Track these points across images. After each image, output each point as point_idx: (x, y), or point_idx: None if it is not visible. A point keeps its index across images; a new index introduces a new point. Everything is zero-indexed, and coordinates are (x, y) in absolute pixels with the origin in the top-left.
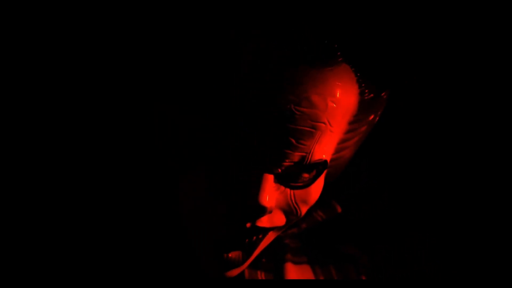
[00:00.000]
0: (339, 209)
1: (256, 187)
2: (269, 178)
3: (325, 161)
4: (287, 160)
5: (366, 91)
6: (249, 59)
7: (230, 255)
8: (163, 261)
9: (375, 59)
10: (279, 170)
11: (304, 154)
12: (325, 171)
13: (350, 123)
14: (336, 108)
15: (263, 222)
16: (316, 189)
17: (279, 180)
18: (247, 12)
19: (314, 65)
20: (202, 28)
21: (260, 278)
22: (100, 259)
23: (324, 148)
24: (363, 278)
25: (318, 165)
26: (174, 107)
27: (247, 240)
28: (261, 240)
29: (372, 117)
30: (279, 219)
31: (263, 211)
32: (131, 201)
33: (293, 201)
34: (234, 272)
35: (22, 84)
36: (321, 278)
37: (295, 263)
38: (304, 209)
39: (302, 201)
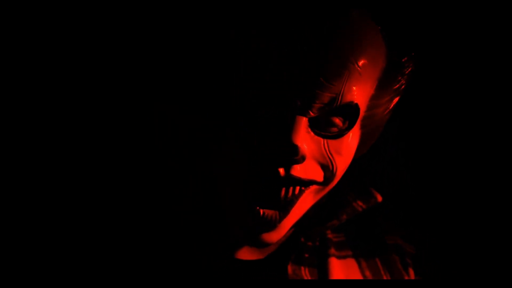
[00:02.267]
0: (380, 198)
1: (288, 128)
2: (301, 121)
3: (356, 104)
4: (317, 101)
5: (393, 51)
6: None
7: (266, 212)
8: (165, 261)
9: (401, 22)
10: (311, 113)
11: (334, 95)
12: (358, 122)
13: (379, 80)
14: (363, 52)
15: (297, 171)
16: (350, 143)
17: (312, 126)
18: (246, 12)
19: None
20: (203, 28)
21: (303, 273)
22: (100, 258)
23: (354, 93)
24: (410, 270)
25: (349, 108)
26: (174, 107)
27: (282, 196)
28: (297, 198)
29: (397, 86)
30: (314, 172)
31: (295, 151)
32: (130, 200)
33: (328, 151)
34: (272, 236)
35: (21, 84)
36: (367, 272)
37: (339, 257)
38: (340, 164)
39: (337, 153)
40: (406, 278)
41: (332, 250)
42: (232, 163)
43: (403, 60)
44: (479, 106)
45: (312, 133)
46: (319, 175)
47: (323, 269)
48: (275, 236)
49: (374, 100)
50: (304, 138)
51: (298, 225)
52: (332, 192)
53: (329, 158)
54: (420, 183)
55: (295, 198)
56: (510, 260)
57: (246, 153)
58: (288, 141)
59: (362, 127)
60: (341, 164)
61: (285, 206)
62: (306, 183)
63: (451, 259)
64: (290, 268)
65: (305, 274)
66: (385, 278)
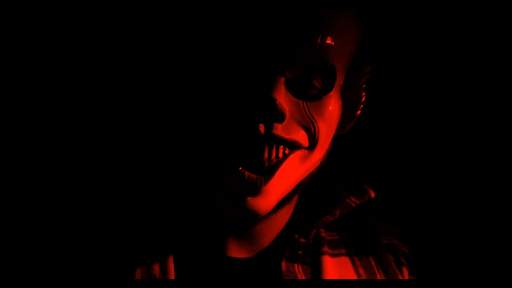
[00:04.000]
0: (373, 194)
1: (267, 86)
2: (280, 81)
3: (332, 65)
4: (293, 60)
5: (367, 30)
6: None
7: (250, 175)
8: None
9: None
10: (288, 74)
11: (308, 52)
12: (337, 90)
13: (354, 56)
14: (336, 18)
15: (279, 130)
16: (331, 109)
17: (291, 89)
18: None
19: None
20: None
21: (297, 271)
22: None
23: (328, 51)
24: (405, 269)
25: (325, 68)
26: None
27: (265, 157)
28: (281, 161)
29: (372, 66)
30: (296, 133)
31: (274, 107)
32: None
33: (308, 113)
34: (259, 202)
35: (22, 86)
36: (361, 270)
37: (332, 255)
38: (322, 127)
39: (318, 115)
40: (400, 278)
41: (326, 248)
42: (214, 127)
43: (376, 39)
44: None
45: (291, 96)
46: (302, 138)
47: (317, 267)
48: (263, 203)
49: (350, 73)
50: (284, 99)
51: (292, 221)
52: (320, 168)
53: (310, 119)
54: (415, 181)
55: (279, 161)
56: (506, 259)
57: (227, 115)
58: (267, 96)
59: (342, 97)
60: (323, 128)
61: (270, 169)
62: (289, 144)
63: (446, 259)
64: (284, 265)
65: (299, 271)
66: (379, 277)
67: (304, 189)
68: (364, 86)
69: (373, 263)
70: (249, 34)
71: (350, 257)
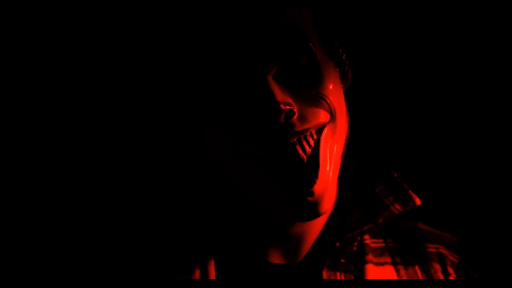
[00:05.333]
0: (418, 201)
1: (265, 89)
2: (270, 81)
3: (307, 45)
4: (274, 56)
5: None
6: None
7: (298, 179)
8: None
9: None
10: (275, 68)
11: (285, 45)
12: (319, 57)
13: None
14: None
15: (296, 124)
16: (326, 76)
17: (284, 80)
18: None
19: None
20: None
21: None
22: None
23: (300, 32)
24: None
25: (303, 48)
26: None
27: (300, 153)
28: (317, 148)
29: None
30: (311, 115)
31: (279, 110)
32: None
33: (311, 91)
34: (315, 199)
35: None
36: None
37: (376, 264)
38: (330, 95)
39: (321, 87)
40: None
41: (370, 257)
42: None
43: (335, 45)
44: None
45: (289, 87)
46: (321, 117)
47: (360, 276)
48: (321, 193)
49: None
50: (283, 93)
51: (334, 229)
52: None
53: (317, 96)
54: (467, 187)
55: (315, 148)
56: None
57: (240, 138)
58: (270, 103)
59: (330, 62)
60: (333, 96)
61: (311, 161)
62: (314, 128)
63: (499, 270)
64: (325, 274)
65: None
66: None
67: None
68: (340, 50)
69: (418, 272)
70: (230, 42)
71: (394, 266)
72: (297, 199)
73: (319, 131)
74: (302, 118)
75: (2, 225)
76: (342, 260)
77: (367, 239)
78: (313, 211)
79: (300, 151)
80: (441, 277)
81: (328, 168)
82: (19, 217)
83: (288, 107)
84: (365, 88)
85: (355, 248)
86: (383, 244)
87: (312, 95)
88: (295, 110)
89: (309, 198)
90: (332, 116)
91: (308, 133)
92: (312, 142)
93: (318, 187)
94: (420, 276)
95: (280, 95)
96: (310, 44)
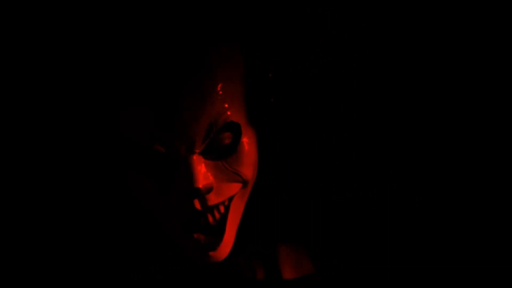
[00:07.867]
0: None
1: (186, 172)
2: (192, 160)
3: (232, 122)
4: (196, 139)
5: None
6: None
7: (206, 238)
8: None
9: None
10: (196, 151)
11: (207, 126)
12: (242, 132)
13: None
14: (219, 77)
15: (212, 199)
16: (247, 150)
17: (206, 156)
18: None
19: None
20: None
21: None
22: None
23: (225, 113)
24: None
25: (228, 127)
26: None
27: (211, 221)
28: (226, 215)
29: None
30: (228, 189)
31: (199, 192)
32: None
33: (229, 167)
34: (221, 252)
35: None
36: None
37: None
38: (247, 170)
39: (238, 164)
40: None
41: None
42: (155, 198)
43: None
44: None
45: (210, 161)
46: (235, 188)
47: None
48: (224, 251)
49: (250, 106)
50: (203, 171)
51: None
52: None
53: (236, 172)
54: (467, 187)
55: (224, 215)
56: None
57: (163, 195)
58: (190, 185)
59: (251, 125)
60: (248, 169)
61: (219, 226)
62: (226, 201)
63: None
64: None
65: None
66: None
67: None
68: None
69: None
70: (150, 129)
71: None
72: (201, 254)
73: (231, 198)
74: (219, 193)
75: (2, 225)
76: None
77: None
78: (215, 261)
79: (211, 219)
80: None
81: (232, 230)
82: (19, 217)
83: (208, 186)
84: (365, 88)
85: None
86: None
87: (229, 171)
88: (214, 186)
89: (211, 253)
90: (243, 185)
91: (221, 205)
92: (222, 210)
93: (221, 249)
94: None
95: (201, 176)
96: (239, 118)
